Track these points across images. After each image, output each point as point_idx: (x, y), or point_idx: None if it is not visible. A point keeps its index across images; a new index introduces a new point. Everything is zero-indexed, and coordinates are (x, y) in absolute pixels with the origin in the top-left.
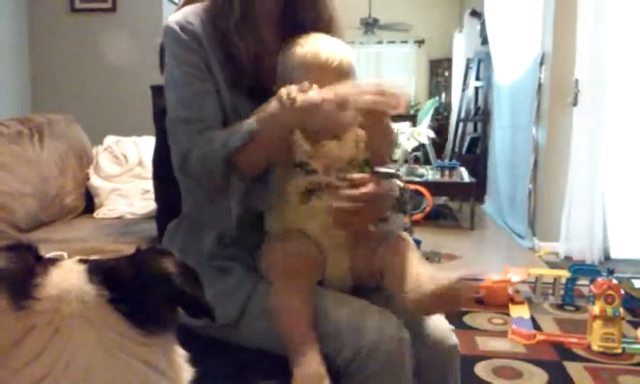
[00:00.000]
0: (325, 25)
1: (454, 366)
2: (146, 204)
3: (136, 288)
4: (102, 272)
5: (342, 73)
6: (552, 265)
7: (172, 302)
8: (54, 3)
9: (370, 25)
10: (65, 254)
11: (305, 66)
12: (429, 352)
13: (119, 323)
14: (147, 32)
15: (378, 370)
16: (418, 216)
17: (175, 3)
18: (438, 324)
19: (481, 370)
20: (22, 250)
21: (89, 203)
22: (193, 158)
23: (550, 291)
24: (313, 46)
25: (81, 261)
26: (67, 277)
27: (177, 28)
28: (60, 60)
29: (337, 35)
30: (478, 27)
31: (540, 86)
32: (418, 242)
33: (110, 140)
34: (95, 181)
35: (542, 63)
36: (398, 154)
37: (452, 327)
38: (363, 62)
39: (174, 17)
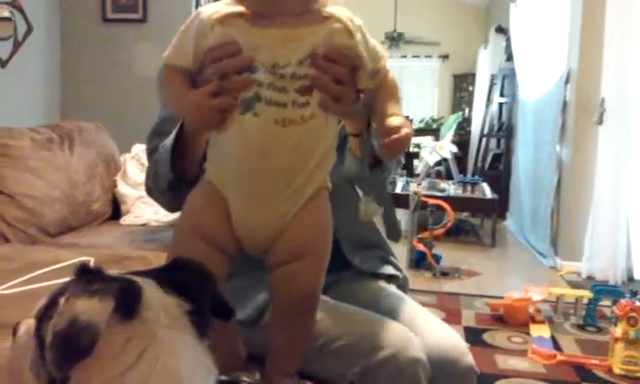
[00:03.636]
0: None
1: None
2: None
3: (203, 299)
4: (176, 285)
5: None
6: (574, 284)
7: (213, 308)
8: (86, 13)
9: (394, 39)
10: (92, 260)
11: None
12: (444, 372)
13: (192, 332)
14: None
15: None
16: (439, 231)
17: None
18: (455, 342)
19: None
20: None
21: (115, 210)
22: (149, 178)
23: (572, 311)
24: None
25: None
26: (153, 290)
27: None
28: (91, 69)
29: None
30: (504, 43)
31: (565, 103)
32: (438, 258)
33: (137, 148)
34: (122, 188)
35: (567, 81)
36: (420, 167)
37: (467, 345)
38: None
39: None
